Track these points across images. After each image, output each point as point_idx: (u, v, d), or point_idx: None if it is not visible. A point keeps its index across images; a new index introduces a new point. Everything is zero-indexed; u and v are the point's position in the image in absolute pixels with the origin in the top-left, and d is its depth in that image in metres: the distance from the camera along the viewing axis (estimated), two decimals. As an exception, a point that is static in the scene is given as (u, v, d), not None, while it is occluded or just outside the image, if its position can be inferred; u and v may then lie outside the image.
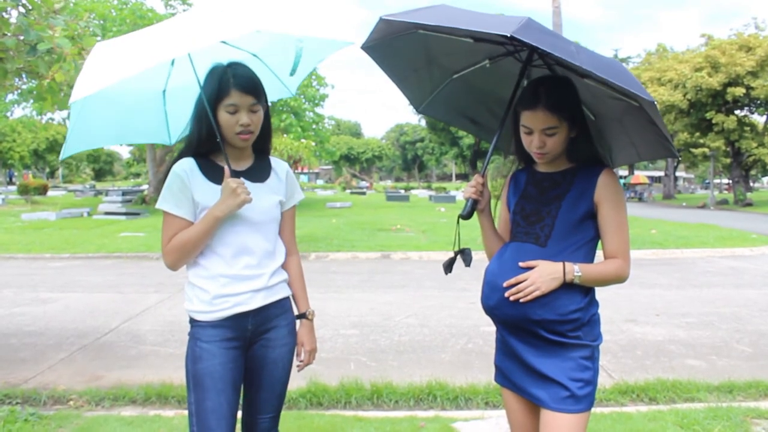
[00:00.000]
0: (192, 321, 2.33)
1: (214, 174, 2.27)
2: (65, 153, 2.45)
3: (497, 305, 2.22)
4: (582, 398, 2.16)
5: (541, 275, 2.12)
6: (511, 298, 2.15)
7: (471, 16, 2.04)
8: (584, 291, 2.19)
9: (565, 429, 2.14)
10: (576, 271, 2.13)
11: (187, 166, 2.26)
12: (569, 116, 2.17)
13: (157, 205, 2.27)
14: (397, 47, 2.47)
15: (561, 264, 2.14)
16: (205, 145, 2.28)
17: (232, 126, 2.23)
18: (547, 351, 2.19)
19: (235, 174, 2.26)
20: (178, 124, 2.75)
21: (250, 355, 2.39)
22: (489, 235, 2.48)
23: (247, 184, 2.25)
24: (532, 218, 2.28)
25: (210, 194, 2.24)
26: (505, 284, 2.18)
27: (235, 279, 2.28)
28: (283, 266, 2.48)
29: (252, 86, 2.24)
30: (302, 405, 4.59)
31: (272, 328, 2.41)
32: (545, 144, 2.20)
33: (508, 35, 1.75)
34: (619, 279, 2.21)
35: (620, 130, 2.31)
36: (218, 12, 2.23)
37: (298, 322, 2.54)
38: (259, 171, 2.41)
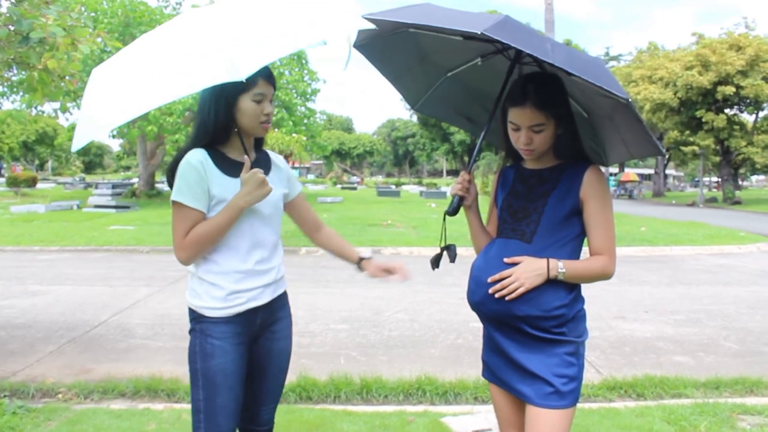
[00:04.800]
0: (199, 317, 2.29)
1: (227, 166, 2.25)
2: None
3: (482, 301, 2.24)
4: (566, 394, 2.17)
5: (526, 271, 2.14)
6: (496, 295, 2.17)
7: (449, 14, 2.07)
8: (569, 287, 2.20)
9: (550, 425, 2.15)
10: (560, 267, 2.14)
11: (202, 157, 2.22)
12: (556, 113, 2.19)
13: (173, 197, 2.21)
14: (389, 46, 2.48)
15: (545, 260, 2.15)
16: (217, 135, 2.25)
17: (257, 115, 2.23)
18: (531, 347, 2.21)
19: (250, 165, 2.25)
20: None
21: (257, 348, 2.41)
22: (477, 231, 2.50)
23: None
24: (519, 215, 2.29)
25: (227, 187, 2.21)
26: (489, 280, 2.19)
27: (249, 274, 2.28)
28: (322, 235, 2.63)
29: (273, 76, 2.28)
30: (292, 399, 4.59)
31: (276, 320, 2.45)
32: (532, 140, 2.21)
33: (479, 33, 1.77)
34: (605, 276, 2.22)
35: (612, 127, 2.32)
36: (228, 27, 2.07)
37: (365, 262, 2.57)
38: (263, 163, 2.42)
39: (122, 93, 2.03)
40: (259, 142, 2.45)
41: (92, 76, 2.22)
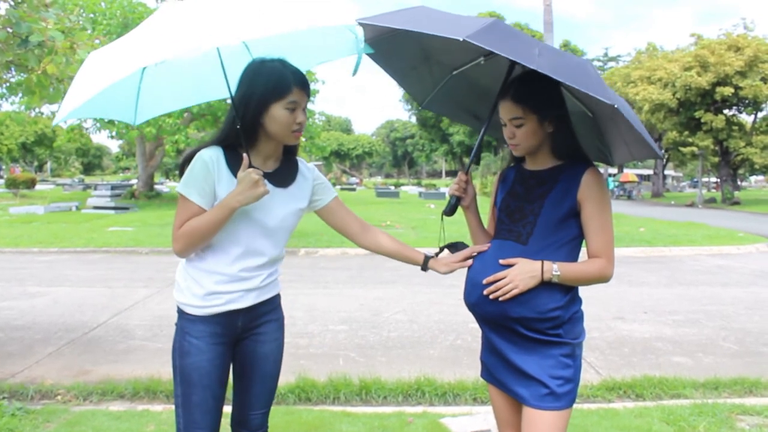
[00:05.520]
0: (181, 312, 2.31)
1: (239, 169, 2.18)
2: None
3: (477, 302, 2.25)
4: (562, 395, 2.17)
5: (520, 273, 2.14)
6: (491, 296, 2.17)
7: (438, 19, 2.09)
8: (565, 289, 2.20)
9: (546, 426, 2.16)
10: (554, 270, 2.14)
11: (215, 155, 2.20)
12: (535, 109, 2.20)
13: (178, 189, 2.20)
14: (392, 46, 2.48)
15: (540, 263, 2.15)
16: (239, 139, 2.21)
17: (289, 124, 2.19)
18: (527, 348, 2.21)
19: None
20: (147, 104, 2.56)
21: (241, 350, 2.39)
22: (476, 232, 2.51)
23: (270, 188, 2.19)
24: (516, 216, 2.30)
25: (230, 189, 2.17)
26: (484, 281, 2.20)
27: (232, 278, 2.26)
28: (373, 239, 2.52)
29: (308, 85, 2.24)
30: (291, 400, 4.59)
31: (263, 323, 2.41)
32: (515, 135, 2.25)
33: (461, 39, 1.78)
34: (602, 279, 2.21)
35: (614, 127, 2.32)
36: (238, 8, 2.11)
37: (434, 261, 2.44)
38: (284, 175, 2.36)
39: (97, 71, 2.06)
40: (292, 149, 2.40)
41: (87, 59, 2.25)
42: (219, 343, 2.29)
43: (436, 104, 2.87)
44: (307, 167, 2.48)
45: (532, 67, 1.79)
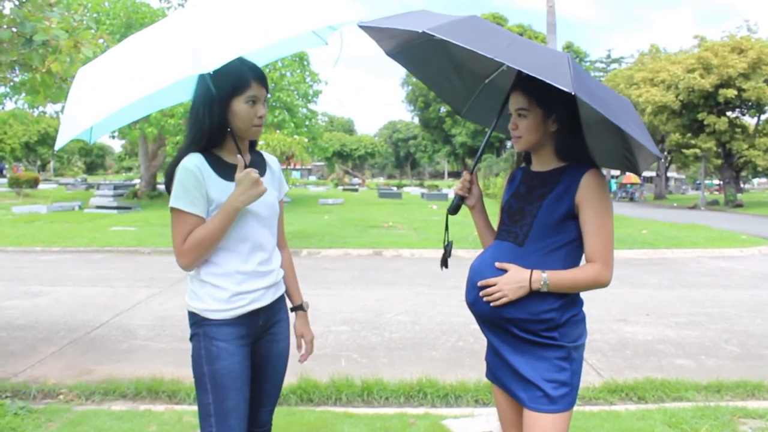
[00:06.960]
0: (201, 320, 2.26)
1: (223, 170, 2.22)
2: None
3: (474, 301, 2.27)
4: (557, 399, 2.16)
5: (508, 282, 2.15)
6: (484, 299, 2.20)
7: (422, 19, 2.08)
8: (559, 293, 2.19)
9: (543, 429, 2.16)
10: (544, 279, 2.13)
11: (198, 161, 2.19)
12: (540, 102, 2.20)
13: (171, 204, 2.18)
14: (421, 54, 2.46)
15: (529, 272, 2.15)
16: (212, 139, 2.22)
17: (251, 118, 2.22)
18: (522, 350, 2.22)
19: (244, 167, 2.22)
20: (103, 124, 2.37)
21: (258, 350, 2.40)
22: (483, 231, 2.53)
23: None
24: (516, 217, 2.30)
25: (224, 190, 2.19)
26: (479, 284, 2.23)
27: (251, 276, 2.27)
28: (282, 255, 2.55)
29: (266, 78, 2.26)
30: (292, 401, 4.60)
31: (276, 322, 2.44)
32: (517, 126, 2.25)
33: (420, 31, 1.82)
34: (598, 284, 2.18)
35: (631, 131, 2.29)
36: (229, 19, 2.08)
37: (293, 315, 2.58)
38: (258, 165, 2.39)
39: (98, 92, 2.03)
40: (252, 144, 2.43)
41: (77, 75, 2.22)
42: (245, 344, 2.30)
43: (474, 114, 2.85)
44: (272, 159, 2.52)
45: (489, 56, 1.80)
